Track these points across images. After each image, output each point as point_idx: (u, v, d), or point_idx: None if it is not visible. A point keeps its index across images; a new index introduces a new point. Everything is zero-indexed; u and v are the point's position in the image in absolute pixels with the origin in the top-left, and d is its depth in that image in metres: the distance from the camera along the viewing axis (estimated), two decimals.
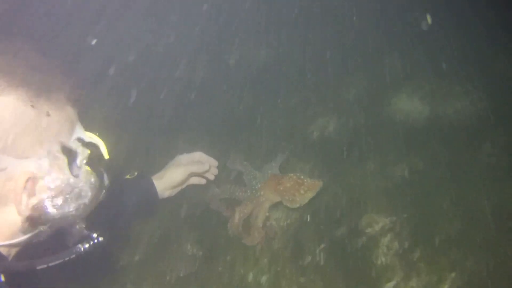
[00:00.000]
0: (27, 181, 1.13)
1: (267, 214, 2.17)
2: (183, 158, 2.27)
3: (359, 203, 2.23)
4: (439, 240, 2.00)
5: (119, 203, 1.98)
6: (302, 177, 2.09)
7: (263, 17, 3.37)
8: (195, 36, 3.37)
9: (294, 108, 2.90)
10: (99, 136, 1.35)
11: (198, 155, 2.30)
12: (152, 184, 2.10)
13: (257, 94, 3.03)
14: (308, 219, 2.19)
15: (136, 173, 2.14)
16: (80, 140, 1.26)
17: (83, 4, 3.25)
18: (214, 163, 2.32)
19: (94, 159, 1.27)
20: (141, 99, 2.88)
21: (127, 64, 3.10)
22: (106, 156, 1.33)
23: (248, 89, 3.07)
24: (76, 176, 1.22)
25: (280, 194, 2.07)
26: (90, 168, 1.26)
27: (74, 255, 1.30)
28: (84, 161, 1.25)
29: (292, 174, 2.12)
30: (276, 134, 2.73)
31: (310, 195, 2.04)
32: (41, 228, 1.22)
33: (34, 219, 1.17)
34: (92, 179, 1.26)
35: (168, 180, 2.15)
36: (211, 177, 2.33)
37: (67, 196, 1.20)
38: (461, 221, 2.03)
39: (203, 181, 2.32)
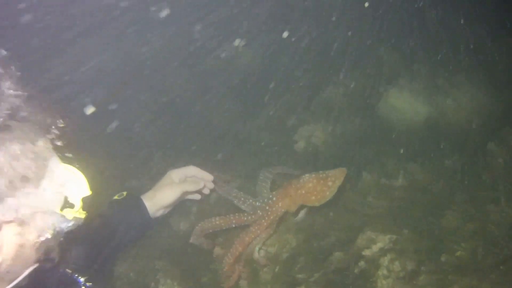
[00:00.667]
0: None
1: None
2: (176, 174, 2.12)
3: (355, 221, 1.96)
4: (447, 261, 1.72)
5: (109, 231, 1.90)
6: (320, 172, 2.03)
7: (244, 16, 3.13)
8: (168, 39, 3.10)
9: (279, 116, 2.64)
10: (80, 167, 1.27)
11: (192, 170, 2.16)
12: (143, 208, 2.00)
13: (239, 101, 2.83)
14: (301, 243, 2.00)
15: (125, 193, 2.03)
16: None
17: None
18: (209, 177, 2.18)
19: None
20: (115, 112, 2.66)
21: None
22: (88, 191, 1.24)
23: (229, 96, 2.82)
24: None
25: (304, 197, 2.00)
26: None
27: None
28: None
29: (306, 175, 2.04)
30: (261, 146, 2.53)
31: (338, 183, 1.98)
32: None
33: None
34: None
35: (159, 201, 2.04)
36: (207, 192, 2.21)
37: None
38: (473, 238, 1.75)
39: (197, 197, 2.20)
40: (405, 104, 2.36)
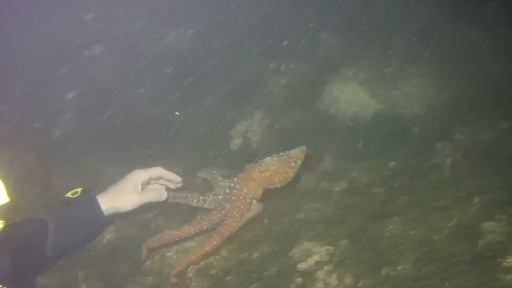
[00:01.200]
0: None
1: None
2: (140, 176, 1.96)
3: (290, 229, 1.76)
4: (388, 274, 1.50)
5: (41, 239, 1.76)
6: (281, 153, 2.02)
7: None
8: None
9: (215, 110, 2.40)
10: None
11: (158, 171, 2.01)
12: (99, 212, 1.86)
13: (173, 94, 2.59)
14: (233, 255, 1.83)
15: (79, 191, 1.93)
16: None
17: None
18: (177, 179, 2.05)
19: None
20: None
21: None
22: (5, 199, 1.21)
23: (162, 88, 2.58)
24: None
25: (268, 180, 1.96)
26: None
27: None
28: None
29: (267, 158, 2.02)
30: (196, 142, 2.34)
31: (299, 163, 1.98)
32: None
33: None
34: None
35: (116, 208, 1.91)
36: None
37: None
38: (417, 248, 1.56)
39: (163, 197, 2.03)
40: (349, 95, 2.16)
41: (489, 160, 1.83)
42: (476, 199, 1.60)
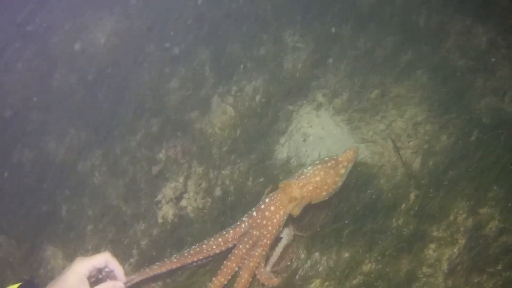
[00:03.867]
0: None
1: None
2: (83, 266, 1.69)
3: None
4: None
5: None
6: (326, 159, 1.80)
7: None
8: None
9: None
10: None
11: (102, 259, 1.74)
12: None
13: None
14: None
15: (17, 286, 1.78)
16: None
17: None
18: (121, 271, 1.79)
19: None
20: None
21: None
22: None
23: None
24: None
25: (312, 195, 1.71)
26: None
27: None
28: None
29: (308, 167, 1.79)
30: None
31: (350, 167, 1.78)
32: None
33: None
34: None
35: None
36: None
37: None
38: None
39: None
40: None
41: None
42: None
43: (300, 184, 1.67)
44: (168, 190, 2.45)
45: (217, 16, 3.51)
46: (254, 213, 1.69)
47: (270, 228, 1.61)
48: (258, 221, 1.66)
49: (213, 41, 3.36)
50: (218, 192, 2.36)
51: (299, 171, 1.76)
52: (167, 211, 2.37)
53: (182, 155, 2.72)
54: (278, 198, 1.64)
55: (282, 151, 2.79)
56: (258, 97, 2.96)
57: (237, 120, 2.83)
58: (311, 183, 1.67)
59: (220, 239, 1.70)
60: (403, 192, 2.35)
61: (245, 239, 1.65)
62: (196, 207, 2.34)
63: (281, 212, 1.64)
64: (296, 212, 1.70)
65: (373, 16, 3.53)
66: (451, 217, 2.37)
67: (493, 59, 3.30)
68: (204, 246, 1.74)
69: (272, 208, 1.64)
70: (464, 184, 2.45)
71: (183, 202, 2.38)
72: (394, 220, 2.41)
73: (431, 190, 2.38)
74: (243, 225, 1.68)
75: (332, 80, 3.16)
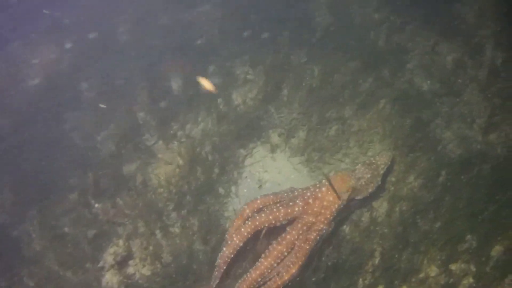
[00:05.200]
0: None
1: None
2: None
3: None
4: None
5: None
6: (366, 161, 2.05)
7: None
8: None
9: None
10: None
11: None
12: None
13: None
14: None
15: None
16: None
17: None
18: None
19: None
20: None
21: None
22: None
23: None
24: None
25: (362, 188, 1.93)
26: None
27: None
28: None
29: (359, 165, 2.05)
30: None
31: (385, 169, 2.04)
32: None
33: None
34: None
35: None
36: None
37: None
38: None
39: None
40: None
41: None
42: None
43: (357, 176, 1.94)
44: (107, 256, 2.20)
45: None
46: (311, 200, 1.82)
47: (328, 215, 1.81)
48: (315, 209, 1.79)
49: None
50: (167, 256, 2.18)
51: (352, 168, 2.03)
52: (110, 279, 2.12)
53: (122, 213, 2.41)
54: (336, 187, 1.84)
55: (235, 202, 2.53)
56: (206, 142, 2.68)
57: (183, 170, 2.55)
58: (364, 178, 1.94)
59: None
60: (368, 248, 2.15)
61: (298, 225, 1.79)
62: (144, 275, 2.14)
63: (338, 201, 1.84)
64: (344, 198, 1.89)
65: (329, 38, 3.27)
66: (422, 274, 2.18)
67: (459, 81, 3.11)
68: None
69: (331, 198, 1.83)
70: (435, 236, 2.22)
71: (130, 269, 2.17)
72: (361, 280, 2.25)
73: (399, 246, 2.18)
74: (296, 209, 1.84)
75: (287, 117, 2.88)
